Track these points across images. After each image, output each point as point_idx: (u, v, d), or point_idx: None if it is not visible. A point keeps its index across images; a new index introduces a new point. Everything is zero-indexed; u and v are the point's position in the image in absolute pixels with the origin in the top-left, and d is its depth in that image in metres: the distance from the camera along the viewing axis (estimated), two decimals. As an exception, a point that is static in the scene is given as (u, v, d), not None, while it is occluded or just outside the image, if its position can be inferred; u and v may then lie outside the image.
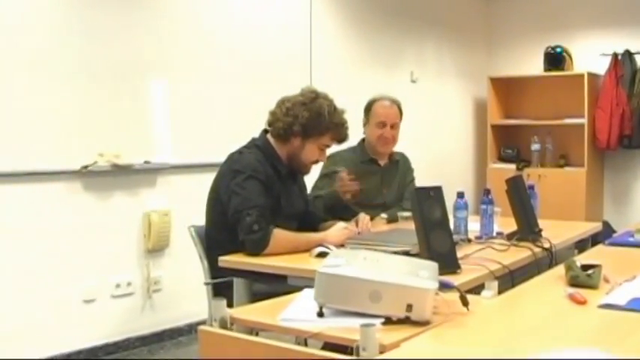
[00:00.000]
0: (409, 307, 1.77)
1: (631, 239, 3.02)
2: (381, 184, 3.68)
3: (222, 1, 4.69)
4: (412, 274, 1.84)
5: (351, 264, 1.86)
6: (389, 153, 3.74)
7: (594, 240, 3.44)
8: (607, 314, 1.87)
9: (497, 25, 7.41)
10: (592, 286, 2.11)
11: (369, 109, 3.67)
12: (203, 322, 2.91)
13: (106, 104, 4.06)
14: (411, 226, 2.54)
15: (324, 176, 3.53)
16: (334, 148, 3.26)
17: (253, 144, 2.98)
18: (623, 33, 6.65)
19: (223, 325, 1.87)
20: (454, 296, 1.91)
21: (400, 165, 3.81)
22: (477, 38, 7.31)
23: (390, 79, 6.02)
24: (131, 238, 4.20)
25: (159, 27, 4.33)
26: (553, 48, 6.79)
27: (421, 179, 3.75)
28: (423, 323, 1.78)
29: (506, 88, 7.20)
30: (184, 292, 4.33)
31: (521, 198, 3.00)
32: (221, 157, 3.00)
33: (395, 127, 3.65)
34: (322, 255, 2.54)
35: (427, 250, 2.31)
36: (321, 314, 1.83)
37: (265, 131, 3.01)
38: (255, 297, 2.64)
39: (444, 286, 1.94)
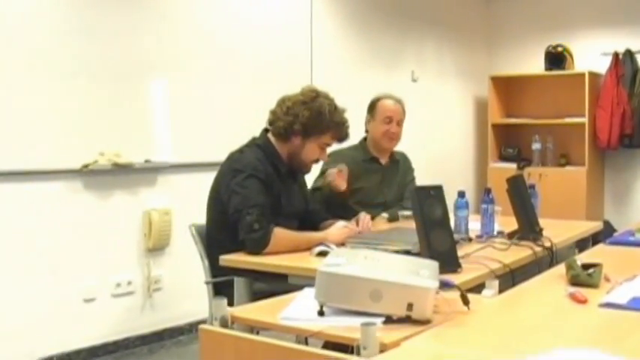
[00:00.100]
0: (410, 306, 1.77)
1: (632, 238, 3.02)
2: (381, 183, 3.68)
3: (222, 1, 4.69)
4: (413, 273, 1.84)
5: (352, 263, 1.86)
6: (391, 151, 3.75)
7: (595, 239, 3.44)
8: (608, 313, 1.87)
9: (498, 24, 7.41)
10: (593, 286, 2.11)
11: (373, 106, 3.69)
12: (203, 321, 2.90)
13: (107, 104, 4.06)
14: (411, 225, 2.54)
15: (324, 174, 3.53)
16: (335, 147, 3.26)
17: (254, 143, 2.98)
18: (624, 32, 6.65)
19: (224, 324, 1.87)
20: (455, 295, 1.91)
21: (401, 164, 3.81)
22: (477, 37, 7.31)
23: (391, 78, 6.02)
24: (131, 237, 4.20)
25: (159, 27, 4.33)
26: (554, 47, 6.79)
27: (422, 178, 3.75)
28: (424, 322, 1.77)
29: (507, 88, 7.20)
30: (185, 291, 4.33)
31: (521, 197, 3.00)
32: (221, 156, 3.00)
33: (400, 124, 3.68)
34: (323, 254, 2.53)
35: (428, 249, 2.31)
36: (321, 313, 1.83)
37: (266, 130, 3.01)
38: (256, 296, 2.64)
39: (445, 285, 1.94)
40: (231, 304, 2.00)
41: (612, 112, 6.51)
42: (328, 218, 3.13)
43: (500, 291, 2.11)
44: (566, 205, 6.07)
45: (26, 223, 3.73)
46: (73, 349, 3.91)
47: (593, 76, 6.66)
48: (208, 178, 3.01)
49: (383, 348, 1.61)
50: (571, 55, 6.78)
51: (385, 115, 3.64)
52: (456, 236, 2.57)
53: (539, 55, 6.87)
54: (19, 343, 3.68)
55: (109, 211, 4.09)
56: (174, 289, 4.38)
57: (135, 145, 4.16)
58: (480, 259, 2.50)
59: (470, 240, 2.88)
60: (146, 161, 4.21)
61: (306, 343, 2.15)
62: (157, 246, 4.26)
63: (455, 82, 7.00)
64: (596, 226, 3.65)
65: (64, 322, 3.88)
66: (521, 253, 2.70)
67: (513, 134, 7.18)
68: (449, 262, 2.30)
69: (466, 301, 1.88)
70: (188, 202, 4.14)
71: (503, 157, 7.14)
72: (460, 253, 2.46)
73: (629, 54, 6.60)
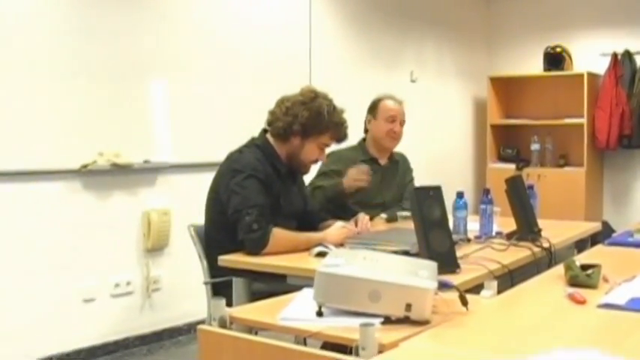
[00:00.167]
0: (408, 307, 1.77)
1: (630, 239, 3.02)
2: (380, 183, 3.68)
3: (221, 1, 4.69)
4: (411, 273, 1.85)
5: (351, 263, 1.86)
6: (391, 151, 3.76)
7: (594, 240, 3.44)
8: (606, 314, 1.87)
9: (497, 25, 7.41)
10: (591, 286, 2.11)
11: (375, 106, 3.70)
12: (202, 322, 2.90)
13: (106, 104, 4.06)
14: (410, 225, 2.54)
15: (322, 174, 3.54)
16: (334, 147, 3.26)
17: (253, 143, 2.98)
18: (622, 33, 6.65)
19: (222, 324, 1.87)
20: (453, 296, 1.91)
21: (400, 165, 3.82)
22: (476, 38, 7.31)
23: (390, 78, 6.02)
24: (131, 238, 4.20)
25: (159, 27, 4.33)
26: (552, 48, 6.79)
27: (420, 179, 3.76)
28: (423, 323, 1.78)
29: (506, 88, 7.20)
30: (184, 291, 4.33)
31: (520, 198, 3.00)
32: (221, 157, 3.00)
33: (402, 124, 3.70)
34: (321, 254, 2.53)
35: (426, 250, 2.31)
36: (320, 314, 1.83)
37: (265, 131, 3.01)
38: (255, 296, 2.64)
39: (444, 286, 1.94)
40: (229, 304, 2.00)
41: (611, 113, 6.51)
42: (327, 219, 3.13)
43: (499, 292, 2.11)
44: (565, 206, 6.07)
45: (25, 224, 3.73)
46: (72, 349, 3.91)
47: (592, 76, 6.66)
48: (207, 179, 3.01)
49: (381, 348, 1.61)
50: (570, 56, 6.78)
51: (389, 115, 3.65)
52: (454, 237, 2.57)
53: (538, 56, 6.87)
54: (19, 343, 3.67)
55: (108, 212, 4.08)
56: (173, 289, 4.38)
57: (134, 146, 4.16)
58: (478, 259, 2.50)
59: (468, 240, 2.89)
60: (145, 161, 4.21)
61: (305, 344, 2.15)
62: (156, 246, 4.26)
63: (454, 83, 7.00)
64: (594, 226, 3.65)
65: (63, 322, 3.88)
66: (519, 253, 2.70)
67: (512, 135, 7.19)
68: (447, 263, 2.30)
69: (465, 302, 1.88)
70: (187, 202, 4.14)
71: (502, 158, 7.15)
72: (459, 253, 2.46)
73: (628, 54, 6.60)
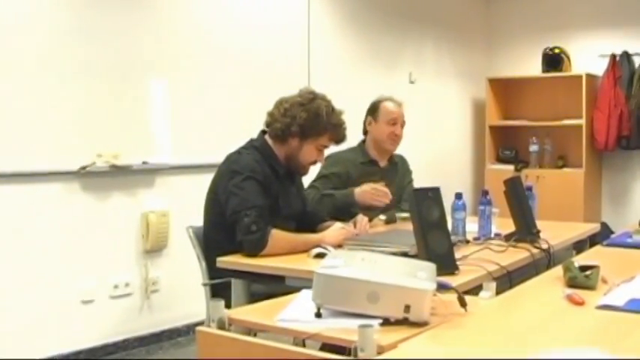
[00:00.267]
0: (407, 308, 1.77)
1: (629, 240, 3.02)
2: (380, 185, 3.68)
3: (221, 1, 4.69)
4: (410, 275, 1.84)
5: (349, 265, 1.86)
6: (391, 153, 3.75)
7: (592, 241, 3.44)
8: (605, 315, 1.87)
9: (496, 26, 7.42)
10: (590, 287, 2.11)
11: (376, 108, 3.69)
12: (201, 323, 2.89)
13: (105, 104, 4.06)
14: (409, 227, 2.53)
15: (323, 177, 3.53)
16: (333, 149, 3.26)
17: (251, 145, 2.98)
18: (621, 34, 6.66)
19: (221, 325, 1.87)
20: (452, 297, 1.91)
21: (399, 167, 3.82)
22: (475, 39, 7.32)
23: (389, 79, 6.02)
24: (129, 239, 4.20)
25: (158, 27, 4.33)
26: (551, 49, 6.79)
27: (419, 180, 3.76)
28: (421, 324, 1.78)
29: (505, 89, 7.20)
30: (182, 292, 4.33)
31: (519, 199, 3.00)
32: (219, 158, 3.00)
33: (403, 126, 3.70)
34: (320, 256, 2.53)
35: (425, 251, 2.31)
36: (319, 315, 1.83)
37: (263, 132, 3.01)
38: (253, 298, 2.64)
39: (442, 287, 1.94)
40: (228, 305, 2.00)
41: (610, 114, 6.51)
42: (326, 220, 3.13)
43: (498, 293, 2.11)
44: (564, 207, 6.08)
45: (24, 225, 3.73)
46: (71, 350, 3.90)
47: (591, 77, 6.66)
48: (206, 180, 3.01)
49: (380, 350, 1.61)
50: (568, 57, 6.79)
51: (390, 117, 3.65)
52: (453, 238, 2.57)
53: (537, 57, 6.87)
54: (18, 345, 3.67)
55: (107, 213, 4.08)
56: (171, 290, 4.38)
57: (133, 147, 4.16)
58: (477, 260, 2.50)
59: (467, 242, 2.89)
60: (144, 163, 4.21)
61: (304, 345, 2.15)
62: (154, 247, 4.26)
63: (453, 84, 7.00)
64: (593, 227, 3.65)
65: (62, 323, 3.88)
66: (518, 254, 2.70)
67: (511, 136, 7.19)
68: (446, 264, 2.30)
69: (463, 303, 1.88)
70: (186, 203, 4.14)
71: (500, 159, 7.15)
72: (457, 254, 2.46)
73: (627, 56, 6.61)
